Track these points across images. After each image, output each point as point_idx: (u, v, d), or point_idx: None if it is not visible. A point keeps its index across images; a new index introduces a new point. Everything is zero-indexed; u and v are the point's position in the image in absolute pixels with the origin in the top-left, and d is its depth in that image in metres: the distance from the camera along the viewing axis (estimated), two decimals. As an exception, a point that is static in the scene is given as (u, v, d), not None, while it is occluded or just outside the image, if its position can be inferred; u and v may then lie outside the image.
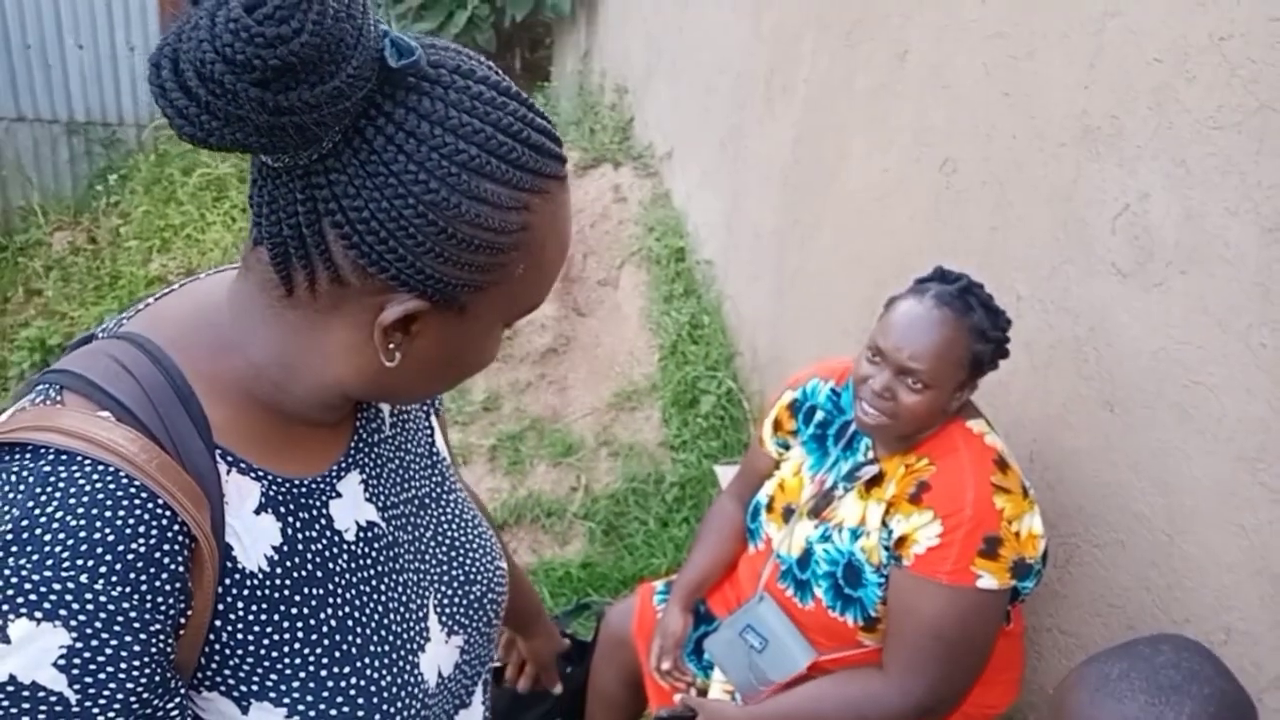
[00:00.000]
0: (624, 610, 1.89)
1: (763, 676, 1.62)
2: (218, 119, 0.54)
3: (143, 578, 0.58)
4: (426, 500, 0.82)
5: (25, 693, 0.55)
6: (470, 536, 0.85)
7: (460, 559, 0.83)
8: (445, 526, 0.83)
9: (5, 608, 0.55)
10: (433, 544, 0.81)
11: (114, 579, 0.57)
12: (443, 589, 0.80)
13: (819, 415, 1.66)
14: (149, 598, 0.58)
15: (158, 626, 0.59)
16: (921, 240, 2.16)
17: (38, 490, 0.57)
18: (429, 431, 0.86)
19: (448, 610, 0.80)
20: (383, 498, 0.77)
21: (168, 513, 0.59)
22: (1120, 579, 1.63)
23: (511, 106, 0.61)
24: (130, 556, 0.57)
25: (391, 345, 0.63)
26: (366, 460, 0.76)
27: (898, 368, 1.43)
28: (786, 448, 1.74)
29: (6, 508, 0.57)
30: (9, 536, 0.56)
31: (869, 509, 1.51)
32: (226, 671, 0.65)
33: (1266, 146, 1.29)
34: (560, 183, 0.64)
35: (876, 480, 1.52)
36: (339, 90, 0.54)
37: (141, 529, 0.58)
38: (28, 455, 0.59)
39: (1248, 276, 1.34)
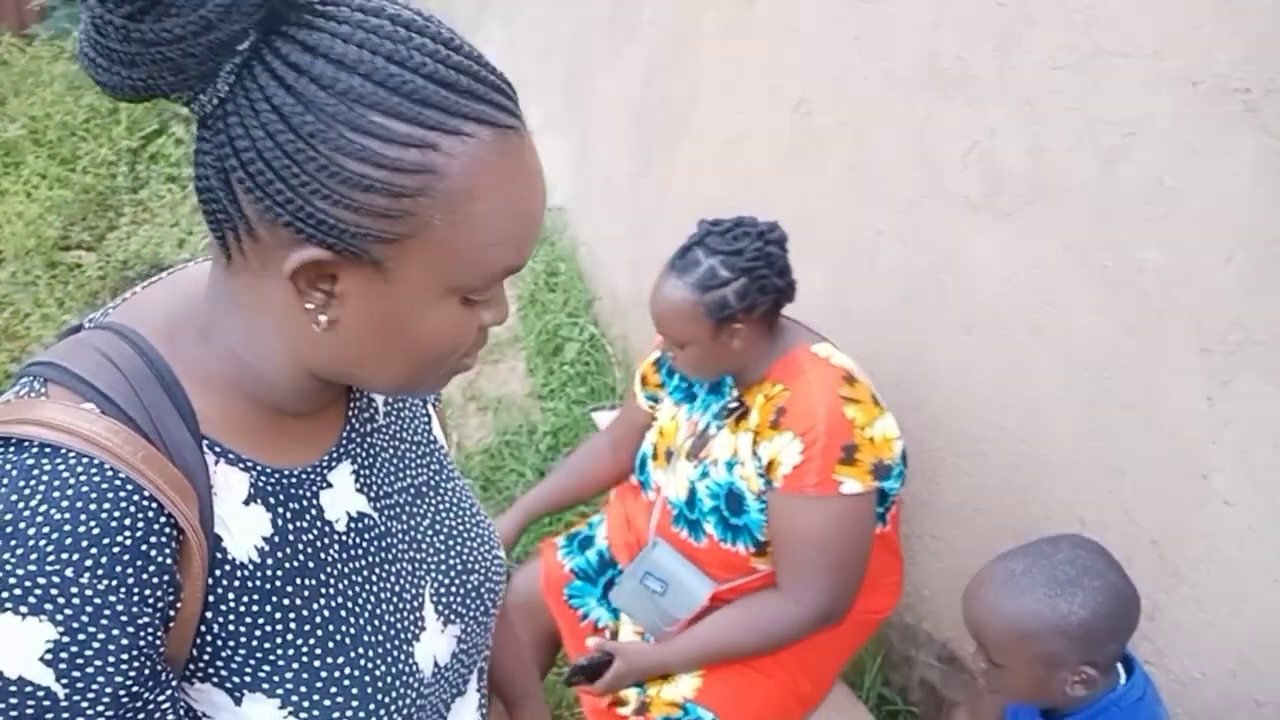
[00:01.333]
0: (529, 572, 1.92)
1: (668, 617, 1.69)
2: (105, 58, 0.55)
3: (129, 571, 0.57)
4: (424, 489, 0.82)
5: (13, 688, 0.54)
6: (468, 525, 0.85)
7: (458, 548, 0.83)
8: (443, 515, 0.83)
9: None
10: (429, 533, 0.81)
11: (99, 572, 0.56)
12: (439, 578, 0.80)
13: None
14: (135, 591, 0.57)
15: (145, 619, 0.58)
16: (780, 181, 2.24)
17: (21, 484, 0.57)
18: (426, 420, 0.86)
19: (444, 599, 0.80)
20: (375, 488, 0.76)
21: (153, 505, 0.59)
22: (984, 485, 1.79)
23: (418, 41, 0.57)
24: (116, 550, 0.57)
25: (311, 306, 0.61)
26: (359, 450, 0.76)
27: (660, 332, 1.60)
28: (657, 400, 1.82)
29: None
30: None
31: (739, 440, 1.60)
32: (219, 662, 0.65)
33: (1103, 85, 1.42)
34: (495, 130, 0.59)
35: (743, 414, 1.61)
36: (205, 20, 0.53)
37: (127, 521, 0.58)
38: (11, 449, 0.58)
39: (1089, 204, 1.48)
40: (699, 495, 1.63)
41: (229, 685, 0.65)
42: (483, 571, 0.84)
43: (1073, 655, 1.17)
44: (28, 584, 0.54)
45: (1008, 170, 1.61)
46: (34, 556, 0.55)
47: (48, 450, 0.58)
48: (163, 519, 0.59)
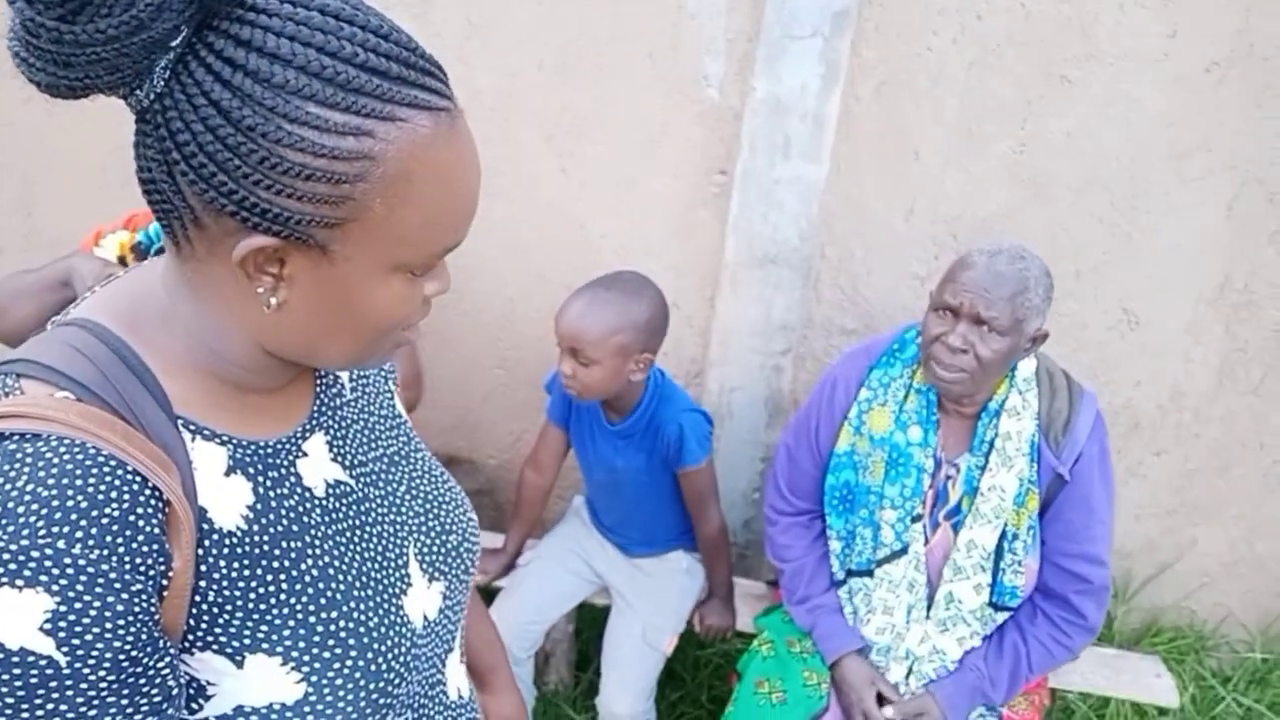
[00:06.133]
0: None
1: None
2: (38, 59, 0.54)
3: (119, 540, 0.58)
4: (396, 458, 0.85)
5: (15, 659, 0.55)
6: (441, 491, 0.89)
7: (435, 510, 0.87)
8: (417, 482, 0.86)
9: None
10: (407, 498, 0.84)
11: (90, 542, 0.57)
12: (421, 538, 0.84)
13: None
14: (127, 559, 0.58)
15: (139, 586, 0.59)
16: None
17: (6, 468, 0.57)
18: (389, 395, 0.90)
19: (427, 558, 0.83)
20: (349, 457, 0.80)
21: (137, 478, 0.60)
22: (468, 312, 2.28)
23: (348, 31, 0.58)
24: (105, 520, 0.57)
25: (261, 290, 0.63)
26: (330, 423, 0.79)
27: None
28: None
29: None
30: None
31: None
32: (218, 629, 0.66)
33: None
34: (428, 113, 0.60)
35: None
36: (138, 20, 0.53)
37: (114, 494, 0.58)
38: None
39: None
40: None
41: (230, 650, 0.66)
42: (460, 532, 0.88)
43: (639, 344, 1.67)
44: (21, 558, 0.54)
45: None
46: (25, 532, 0.55)
47: (28, 437, 0.58)
48: (148, 491, 0.60)
